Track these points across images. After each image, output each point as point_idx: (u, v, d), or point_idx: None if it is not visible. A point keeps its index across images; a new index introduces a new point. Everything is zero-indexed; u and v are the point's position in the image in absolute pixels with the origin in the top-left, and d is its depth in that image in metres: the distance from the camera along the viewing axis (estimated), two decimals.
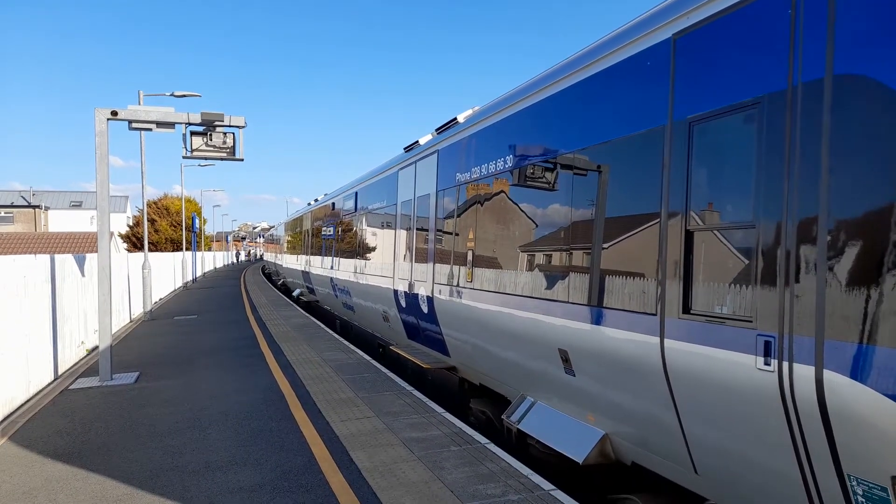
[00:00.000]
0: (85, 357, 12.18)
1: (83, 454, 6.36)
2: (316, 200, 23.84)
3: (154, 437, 6.92)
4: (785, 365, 3.48)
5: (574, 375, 5.52)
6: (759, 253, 3.69)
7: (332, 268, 17.73)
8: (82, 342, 12.24)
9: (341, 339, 14.42)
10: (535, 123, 6.45)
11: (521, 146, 6.68)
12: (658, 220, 4.47)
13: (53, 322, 10.10)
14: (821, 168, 3.33)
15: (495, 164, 7.19)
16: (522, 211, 6.55)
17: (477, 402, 8.37)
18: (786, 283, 3.49)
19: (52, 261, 10.08)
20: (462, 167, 8.27)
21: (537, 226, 6.24)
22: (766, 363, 3.61)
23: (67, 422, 7.58)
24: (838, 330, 3.20)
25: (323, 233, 19.84)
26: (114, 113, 9.63)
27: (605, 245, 5.12)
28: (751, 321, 3.71)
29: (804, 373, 3.36)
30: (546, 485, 5.29)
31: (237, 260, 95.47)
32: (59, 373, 10.42)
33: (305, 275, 23.68)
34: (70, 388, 9.41)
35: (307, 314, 20.03)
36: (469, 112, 9.00)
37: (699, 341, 4.06)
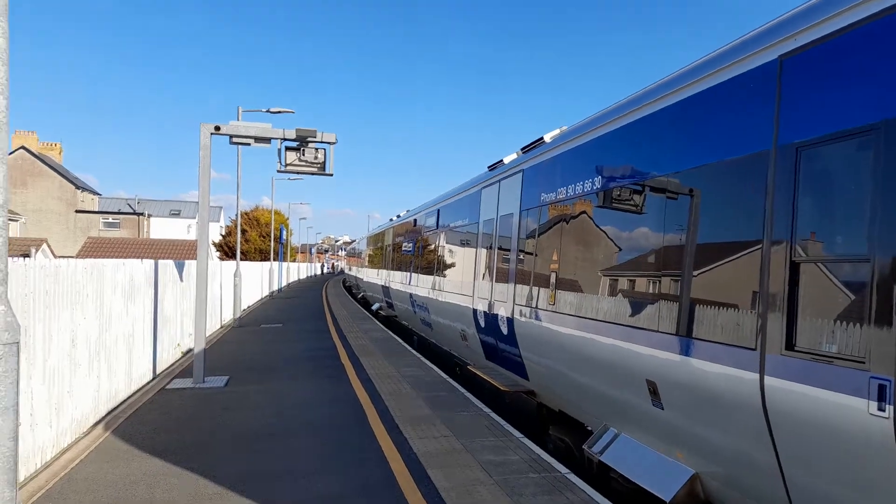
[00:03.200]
0: (180, 358, 12.92)
1: (178, 452, 6.72)
2: (398, 216, 24.33)
3: (242, 440, 7.21)
4: None
5: (662, 409, 5.31)
6: (874, 288, 3.44)
7: (411, 284, 17.99)
8: (178, 344, 13.00)
9: (419, 355, 14.56)
10: (626, 145, 6.32)
11: (611, 168, 6.56)
12: (760, 250, 4.25)
13: (154, 323, 10.78)
14: None
15: (583, 185, 7.09)
16: (611, 234, 6.41)
17: (556, 430, 8.20)
18: None
19: (156, 266, 10.79)
20: (547, 187, 8.20)
21: (626, 250, 6.09)
22: (881, 408, 3.34)
23: (165, 420, 8.05)
24: None
25: (403, 249, 20.19)
26: (217, 128, 10.25)
27: (700, 273, 4.92)
28: (863, 362, 3.45)
29: None
30: None
31: (322, 272, 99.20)
32: (158, 372, 11.09)
33: (385, 289, 24.14)
34: (167, 387, 9.99)
35: (386, 328, 20.38)
36: (556, 132, 8.95)
37: (804, 380, 3.81)
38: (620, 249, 6.18)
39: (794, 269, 3.96)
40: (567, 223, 7.45)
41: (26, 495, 5.41)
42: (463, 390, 10.40)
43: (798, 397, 3.85)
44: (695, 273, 4.96)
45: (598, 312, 6.38)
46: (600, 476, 6.46)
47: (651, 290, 5.51)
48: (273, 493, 5.59)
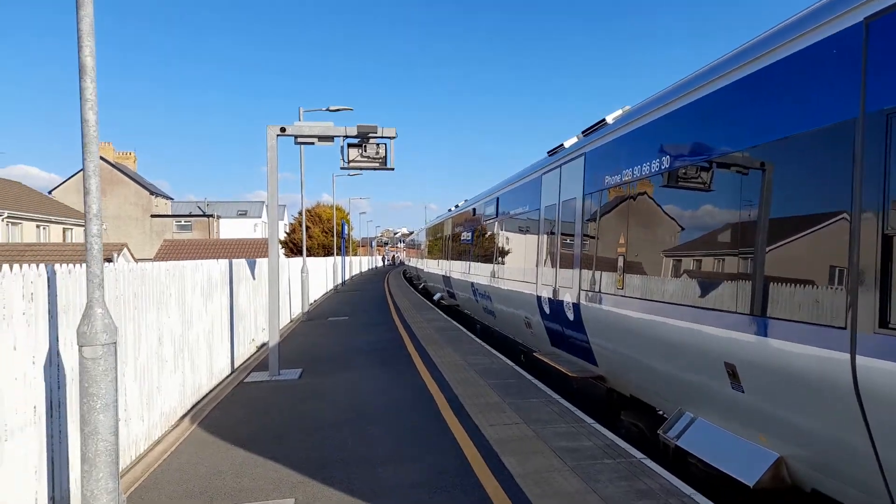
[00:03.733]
0: (255, 353, 13.44)
1: (260, 442, 7.02)
2: (456, 206, 24.38)
3: (319, 429, 7.46)
4: None
5: (743, 392, 5.15)
6: None
7: (472, 273, 18.03)
8: (253, 339, 13.52)
9: (483, 343, 14.61)
10: (696, 121, 6.11)
11: (681, 146, 6.36)
12: (848, 224, 4.05)
13: (231, 320, 11.25)
14: None
15: (650, 165, 6.91)
16: (683, 215, 6.23)
17: (628, 415, 8.07)
18: None
19: (231, 265, 11.24)
20: (612, 170, 8.04)
21: (700, 230, 5.90)
22: None
23: (246, 412, 8.41)
24: None
25: (463, 238, 20.24)
26: (282, 129, 10.55)
27: (782, 251, 4.72)
28: None
29: None
30: None
31: (383, 264, 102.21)
32: (235, 366, 11.58)
33: (446, 279, 24.29)
34: (245, 381, 10.42)
35: (448, 317, 20.53)
36: (618, 113, 8.74)
37: None
38: (694, 230, 6.00)
39: (888, 242, 3.75)
40: (634, 205, 7.29)
41: (125, 486, 5.78)
42: (530, 377, 10.38)
43: (893, 377, 3.66)
44: (776, 251, 4.76)
45: (671, 295, 6.23)
46: (677, 461, 6.34)
47: (728, 271, 5.33)
48: (352, 481, 5.76)
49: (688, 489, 5.35)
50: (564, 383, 10.22)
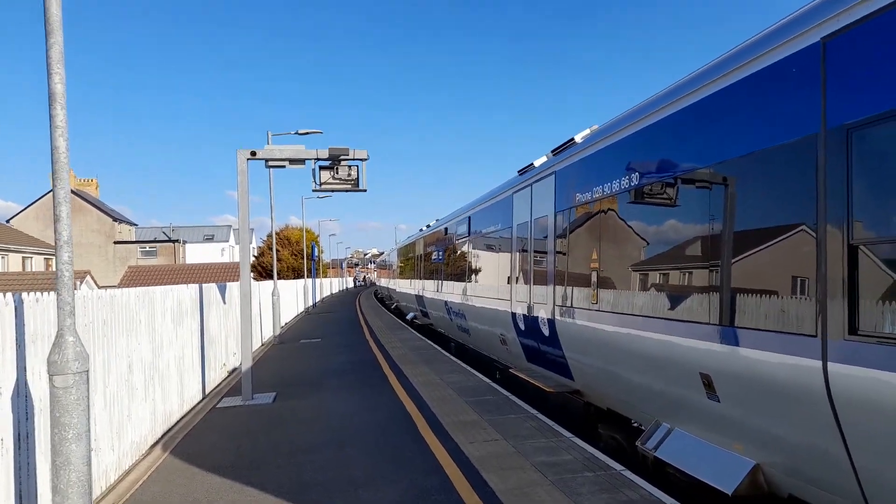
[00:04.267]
0: (227, 378, 13.16)
1: (236, 468, 6.86)
2: (428, 226, 24.44)
3: (297, 453, 7.33)
4: None
5: (718, 402, 5.25)
6: None
7: (445, 291, 18.05)
8: (224, 364, 13.25)
9: (459, 361, 14.58)
10: (663, 139, 6.29)
11: (651, 163, 6.52)
12: (815, 235, 4.20)
13: (202, 345, 11.02)
14: None
15: (620, 182, 7.07)
16: (654, 229, 6.38)
17: (605, 427, 8.14)
18: None
19: (201, 289, 11.04)
20: (582, 187, 8.19)
21: (671, 244, 6.04)
22: None
23: (219, 438, 8.22)
24: None
25: (435, 257, 20.27)
26: (253, 153, 10.48)
27: (751, 263, 4.86)
28: None
29: None
30: None
31: (355, 285, 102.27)
32: (207, 392, 11.32)
33: (419, 298, 24.24)
34: (217, 406, 10.20)
35: (422, 336, 20.45)
36: (587, 132, 8.93)
37: (870, 365, 3.74)
38: (666, 244, 6.13)
39: (853, 251, 3.90)
40: (606, 221, 7.42)
41: None
42: (507, 393, 10.39)
43: (865, 382, 3.78)
44: (747, 264, 4.91)
45: (646, 308, 6.34)
46: (656, 472, 6.41)
47: (702, 284, 5.46)
48: (333, 502, 5.67)
49: (668, 499, 5.41)
50: (541, 399, 10.26)
